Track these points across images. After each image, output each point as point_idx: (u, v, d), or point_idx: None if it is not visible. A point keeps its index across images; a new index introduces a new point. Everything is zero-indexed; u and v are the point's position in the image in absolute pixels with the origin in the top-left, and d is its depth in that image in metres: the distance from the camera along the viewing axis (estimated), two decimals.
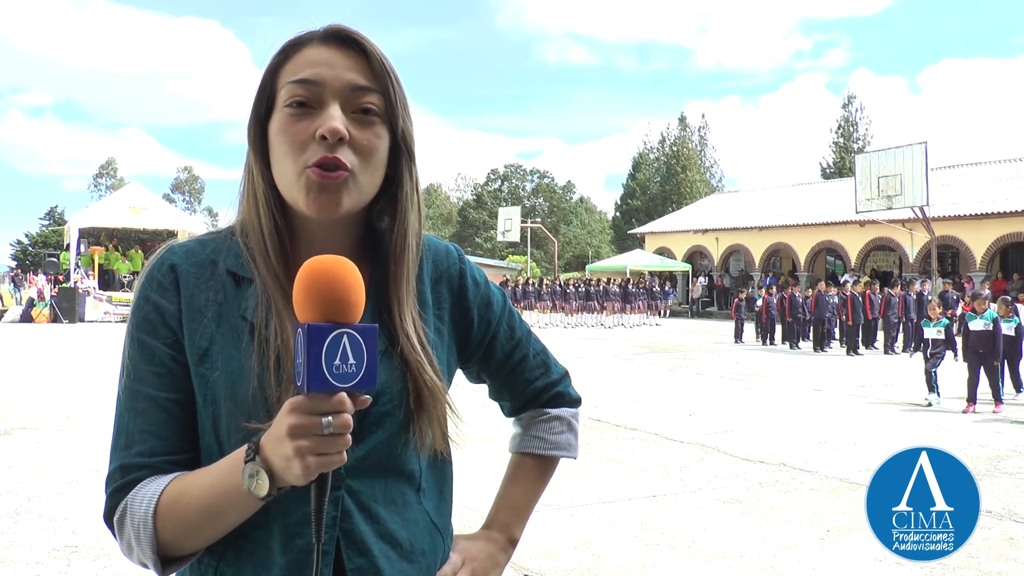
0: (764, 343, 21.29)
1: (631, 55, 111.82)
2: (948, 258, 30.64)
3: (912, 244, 28.10)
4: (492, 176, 71.14)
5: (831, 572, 4.43)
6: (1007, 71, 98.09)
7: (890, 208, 24.64)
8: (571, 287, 29.24)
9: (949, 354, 10.83)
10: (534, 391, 1.33)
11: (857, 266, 30.92)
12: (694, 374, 14.07)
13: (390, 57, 1.09)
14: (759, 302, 22.28)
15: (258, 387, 1.01)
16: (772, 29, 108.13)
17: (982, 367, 10.11)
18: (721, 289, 36.54)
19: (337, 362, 0.85)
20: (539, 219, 57.28)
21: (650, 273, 35.69)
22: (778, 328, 21.73)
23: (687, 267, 37.72)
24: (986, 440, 8.24)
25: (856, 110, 53.63)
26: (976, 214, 26.98)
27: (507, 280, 31.81)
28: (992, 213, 26.59)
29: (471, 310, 1.24)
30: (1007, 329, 10.46)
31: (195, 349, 1.05)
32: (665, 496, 5.96)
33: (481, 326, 1.25)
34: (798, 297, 20.73)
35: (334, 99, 1.03)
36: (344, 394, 0.86)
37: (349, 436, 0.88)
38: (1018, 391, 11.15)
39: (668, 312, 34.26)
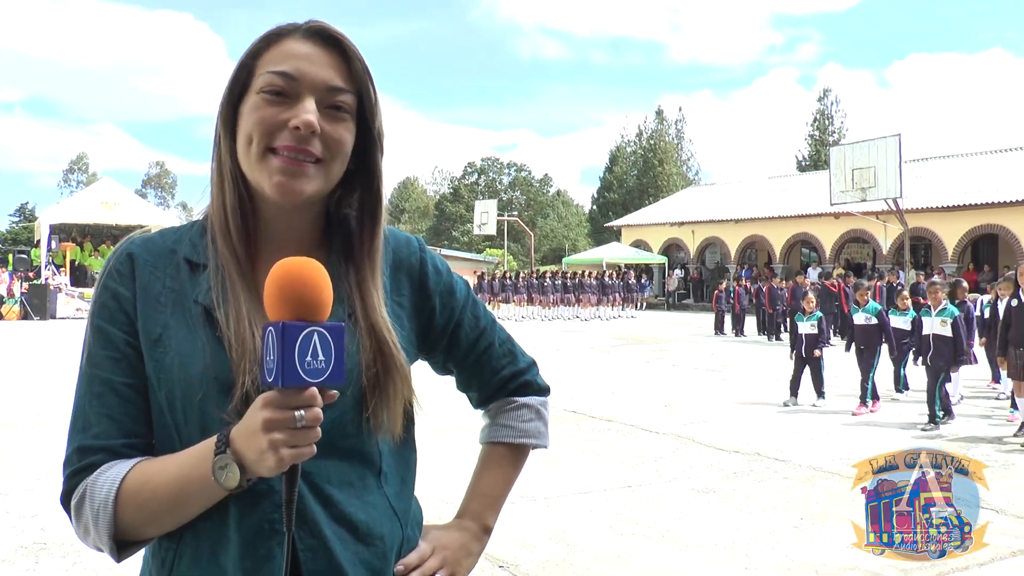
0: (736, 335, 21.44)
1: (604, 50, 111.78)
2: (921, 250, 30.96)
3: (886, 236, 28.42)
4: (469, 169, 70.85)
5: (805, 559, 4.47)
6: (973, 66, 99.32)
7: (864, 200, 24.87)
8: (547, 280, 29.23)
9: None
10: (501, 380, 1.34)
11: (832, 258, 31.20)
12: (670, 365, 14.14)
13: (366, 49, 1.12)
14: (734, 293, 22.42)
15: (210, 367, 1.03)
16: (745, 24, 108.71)
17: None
18: (697, 281, 36.70)
19: (308, 358, 0.89)
20: (516, 212, 57.23)
21: (626, 266, 35.79)
22: (750, 319, 21.85)
23: (663, 260, 37.85)
24: (972, 439, 8.34)
25: (831, 103, 54.08)
26: (948, 206, 27.27)
27: (483, 273, 31.76)
28: (964, 205, 26.88)
29: (432, 297, 1.25)
30: (902, 323, 9.75)
31: (149, 334, 1.07)
32: (640, 486, 5.98)
33: (444, 313, 1.26)
34: (776, 289, 20.85)
35: (310, 94, 1.06)
36: (315, 389, 0.90)
37: (319, 429, 0.91)
38: (897, 389, 10.35)
39: (644, 304, 34.32)
